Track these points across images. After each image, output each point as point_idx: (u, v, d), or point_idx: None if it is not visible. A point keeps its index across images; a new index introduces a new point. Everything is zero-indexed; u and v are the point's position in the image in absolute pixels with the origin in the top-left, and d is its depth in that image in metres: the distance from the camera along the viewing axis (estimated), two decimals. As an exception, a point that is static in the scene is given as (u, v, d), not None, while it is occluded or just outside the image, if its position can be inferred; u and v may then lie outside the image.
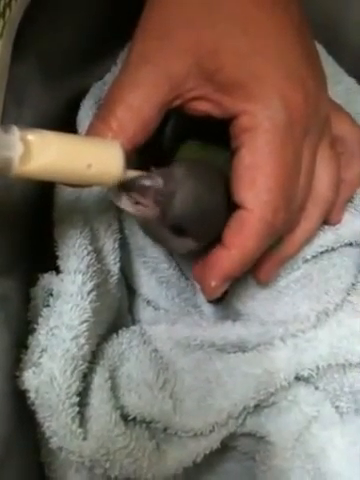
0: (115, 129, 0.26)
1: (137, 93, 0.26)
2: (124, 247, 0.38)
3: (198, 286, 0.39)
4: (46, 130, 0.23)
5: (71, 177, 0.24)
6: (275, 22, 0.27)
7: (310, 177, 0.28)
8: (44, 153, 0.22)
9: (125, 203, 0.26)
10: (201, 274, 0.28)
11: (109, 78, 0.40)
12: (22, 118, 0.32)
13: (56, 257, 0.32)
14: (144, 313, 0.39)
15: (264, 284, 0.33)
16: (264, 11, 0.27)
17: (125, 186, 0.25)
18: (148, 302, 0.39)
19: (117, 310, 0.35)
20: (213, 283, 0.27)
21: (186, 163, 0.27)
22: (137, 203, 0.26)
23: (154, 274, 0.39)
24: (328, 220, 0.33)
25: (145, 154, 0.30)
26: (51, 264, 0.33)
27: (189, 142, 0.33)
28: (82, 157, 0.24)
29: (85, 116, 0.37)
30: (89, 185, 0.26)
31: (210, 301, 0.39)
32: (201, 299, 0.40)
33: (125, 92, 0.26)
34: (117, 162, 0.24)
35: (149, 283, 0.39)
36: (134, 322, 0.39)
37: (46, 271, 0.32)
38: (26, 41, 0.31)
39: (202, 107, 0.27)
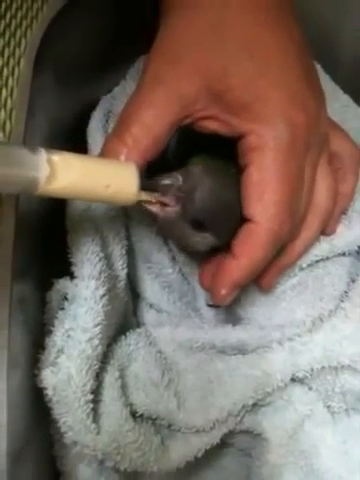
0: (130, 144, 0.28)
1: (150, 112, 0.28)
2: (129, 253, 0.40)
3: (199, 291, 0.42)
4: (69, 152, 0.25)
5: (90, 196, 0.26)
6: (278, 42, 0.29)
7: (311, 190, 0.31)
8: (67, 174, 0.24)
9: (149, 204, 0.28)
10: (211, 282, 0.30)
11: (118, 92, 0.41)
12: (36, 126, 0.34)
13: (67, 263, 0.34)
14: (147, 316, 0.41)
15: (265, 291, 0.35)
16: (268, 31, 0.29)
17: (147, 188, 0.27)
18: (151, 305, 0.41)
19: (124, 313, 0.37)
20: (223, 291, 0.29)
21: (202, 164, 0.30)
22: (160, 204, 0.28)
23: (157, 279, 0.41)
24: (325, 230, 0.35)
25: (152, 170, 0.31)
26: (60, 269, 0.34)
27: (194, 159, 0.34)
28: (101, 178, 0.25)
29: (95, 128, 0.39)
30: (106, 203, 0.28)
31: (210, 305, 0.41)
32: (201, 303, 0.42)
33: (140, 111, 0.28)
34: (133, 183, 0.26)
35: (152, 287, 0.41)
36: (138, 324, 0.41)
37: (58, 276, 0.34)
38: (43, 53, 0.32)
39: (211, 126, 0.29)
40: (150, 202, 0.28)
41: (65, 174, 0.24)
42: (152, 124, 0.28)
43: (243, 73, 0.28)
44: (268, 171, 0.28)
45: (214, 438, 0.34)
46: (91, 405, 0.29)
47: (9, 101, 0.30)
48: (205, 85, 0.28)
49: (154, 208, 0.28)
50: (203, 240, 0.31)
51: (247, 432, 0.37)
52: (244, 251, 0.29)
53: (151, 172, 0.30)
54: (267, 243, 0.28)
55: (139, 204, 0.28)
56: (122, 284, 0.36)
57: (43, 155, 0.24)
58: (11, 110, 0.29)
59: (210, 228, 0.30)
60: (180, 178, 0.28)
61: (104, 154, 0.29)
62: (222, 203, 0.29)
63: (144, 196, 0.27)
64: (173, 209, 0.28)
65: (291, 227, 0.29)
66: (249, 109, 0.28)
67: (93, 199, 0.26)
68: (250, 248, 0.28)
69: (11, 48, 0.30)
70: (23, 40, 0.31)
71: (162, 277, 0.41)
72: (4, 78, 0.30)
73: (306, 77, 0.29)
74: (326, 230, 0.35)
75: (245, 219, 0.29)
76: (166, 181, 0.28)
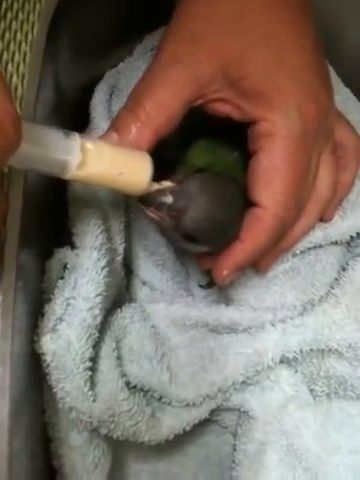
0: (143, 120, 0.28)
1: (166, 90, 0.28)
2: (126, 229, 0.40)
3: (191, 271, 0.43)
4: (100, 140, 0.25)
5: (106, 184, 0.26)
6: (295, 38, 0.30)
7: (315, 178, 0.31)
8: (98, 162, 0.25)
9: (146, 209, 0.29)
10: (214, 263, 0.31)
11: (123, 67, 0.41)
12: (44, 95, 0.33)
13: (63, 234, 0.34)
14: (140, 293, 0.41)
15: (261, 273, 0.36)
16: (286, 28, 0.30)
17: (144, 201, 0.28)
18: (144, 282, 0.41)
19: (119, 287, 0.37)
20: (225, 272, 0.30)
21: (202, 177, 0.29)
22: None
23: (152, 257, 0.41)
24: (322, 217, 0.36)
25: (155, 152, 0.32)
26: (57, 238, 0.35)
27: (198, 142, 0.35)
28: (121, 167, 0.26)
29: (99, 101, 0.39)
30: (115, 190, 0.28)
31: (201, 286, 0.42)
32: (192, 283, 0.42)
33: (155, 88, 0.29)
34: (146, 174, 0.27)
35: (146, 265, 0.41)
36: (130, 300, 0.41)
37: (56, 245, 0.34)
38: (57, 20, 0.32)
39: (223, 109, 0.30)
40: (148, 206, 0.28)
41: (95, 162, 0.25)
42: (166, 102, 0.28)
43: (260, 61, 0.28)
44: (278, 158, 0.28)
45: (203, 413, 0.35)
46: (89, 373, 0.30)
47: (21, 66, 0.30)
48: (222, 68, 0.28)
49: (151, 214, 0.29)
50: (196, 248, 0.31)
51: (233, 410, 0.38)
52: (249, 235, 0.29)
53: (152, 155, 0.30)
54: (272, 228, 0.29)
55: (137, 204, 0.28)
56: (120, 258, 0.37)
57: (77, 140, 0.24)
58: (23, 75, 0.29)
59: (203, 242, 0.30)
60: (171, 198, 0.28)
61: (115, 127, 0.29)
62: (215, 222, 0.29)
63: (155, 186, 0.28)
64: (166, 223, 0.29)
65: (295, 214, 0.30)
66: (263, 96, 0.28)
67: (106, 186, 0.27)
68: (255, 232, 0.29)
69: (25, 13, 0.30)
70: (38, 5, 0.30)
71: (157, 255, 0.41)
72: (17, 42, 0.30)
73: (319, 72, 0.30)
74: (324, 216, 0.36)
75: (251, 203, 0.30)
76: (159, 199, 0.28)
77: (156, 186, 0.27)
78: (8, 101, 0.18)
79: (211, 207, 0.28)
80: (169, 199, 0.28)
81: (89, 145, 0.24)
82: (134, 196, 0.28)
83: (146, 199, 0.28)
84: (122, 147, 0.27)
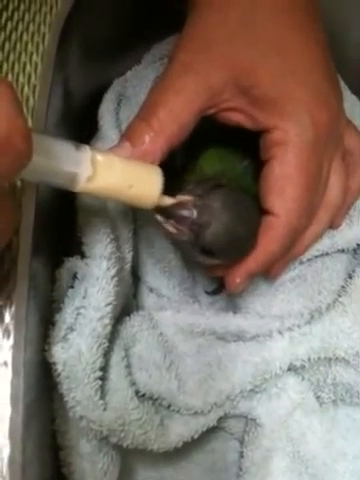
0: (156, 129, 0.28)
1: (179, 98, 0.29)
2: (133, 236, 0.40)
3: (198, 278, 0.43)
4: (111, 153, 0.25)
5: (119, 197, 0.26)
6: (305, 44, 0.30)
7: (325, 185, 0.32)
8: (108, 175, 0.25)
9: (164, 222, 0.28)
10: (227, 271, 0.31)
11: (131, 75, 0.42)
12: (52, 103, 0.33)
13: (72, 242, 0.35)
14: (148, 299, 0.41)
15: (270, 279, 0.36)
16: (295, 33, 0.30)
17: (164, 213, 0.28)
18: (151, 289, 0.42)
19: (128, 295, 0.38)
20: (238, 280, 0.30)
21: (223, 192, 0.29)
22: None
23: (159, 264, 0.41)
24: (331, 224, 0.36)
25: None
26: (68, 248, 0.35)
27: (208, 151, 0.35)
28: (132, 181, 0.26)
29: (107, 110, 0.39)
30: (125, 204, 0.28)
31: (208, 293, 0.42)
32: (199, 290, 0.43)
33: (167, 96, 0.29)
34: (157, 187, 0.26)
35: (153, 272, 0.42)
36: (137, 307, 0.41)
37: (66, 254, 0.35)
38: (67, 30, 0.32)
39: (234, 118, 0.30)
40: (169, 219, 0.28)
41: (106, 175, 0.25)
42: (179, 110, 0.28)
43: (271, 69, 0.29)
44: (290, 166, 0.29)
45: (211, 420, 0.35)
46: (99, 382, 0.30)
47: (33, 77, 0.30)
48: (233, 77, 0.29)
49: (168, 227, 0.28)
50: (210, 261, 0.31)
51: (239, 417, 0.38)
52: (262, 243, 0.30)
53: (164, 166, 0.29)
54: (285, 236, 0.29)
55: (153, 216, 0.28)
56: (128, 266, 0.37)
57: (88, 152, 0.24)
58: (34, 86, 0.29)
59: (218, 256, 0.30)
60: (195, 213, 0.28)
61: (128, 136, 0.29)
62: (234, 238, 0.29)
63: (167, 201, 0.27)
64: (186, 236, 0.29)
65: (307, 221, 0.30)
66: (275, 104, 0.29)
67: (116, 199, 0.27)
68: (268, 241, 0.29)
69: (36, 24, 0.30)
70: (48, 16, 0.31)
71: (164, 262, 0.41)
72: (29, 53, 0.30)
73: (329, 78, 0.30)
74: (333, 223, 0.36)
75: (263, 211, 0.30)
76: (183, 213, 0.28)
77: (167, 199, 0.27)
78: (19, 115, 0.18)
79: (232, 223, 0.29)
80: (192, 214, 0.28)
81: (99, 157, 0.24)
82: (151, 208, 0.28)
83: (167, 212, 0.28)
84: (132, 160, 0.27)
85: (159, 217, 0.28)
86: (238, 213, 0.29)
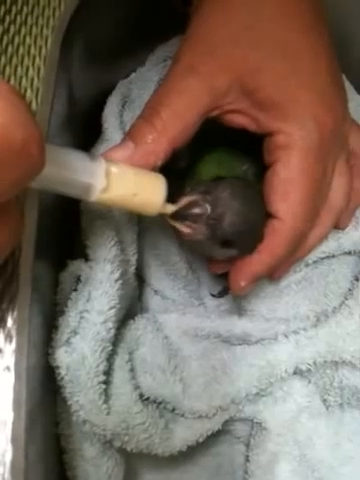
0: (159, 130, 0.28)
1: (182, 99, 0.28)
2: (138, 239, 0.40)
3: (203, 280, 0.42)
4: (125, 165, 0.25)
5: (125, 206, 0.26)
6: (310, 46, 0.30)
7: (329, 187, 0.31)
8: (121, 185, 0.25)
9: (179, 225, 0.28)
10: (231, 273, 0.31)
11: (135, 77, 0.41)
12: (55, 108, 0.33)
13: (76, 244, 0.35)
14: (152, 302, 0.41)
15: (273, 281, 0.36)
16: (301, 35, 0.29)
17: (178, 217, 0.28)
18: (156, 291, 0.42)
19: (132, 297, 0.38)
20: (243, 283, 0.30)
21: (229, 181, 0.29)
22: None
23: (163, 266, 0.41)
24: (337, 225, 0.36)
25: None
26: (71, 250, 0.35)
27: (205, 157, 0.35)
28: (137, 189, 0.26)
29: (111, 112, 0.39)
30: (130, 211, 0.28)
31: (213, 295, 0.42)
32: (205, 292, 0.42)
33: (171, 98, 0.28)
34: (161, 195, 0.26)
35: (157, 274, 0.42)
36: (142, 309, 0.41)
37: (70, 257, 0.35)
38: (71, 33, 0.32)
39: (238, 120, 0.30)
40: (184, 220, 0.28)
41: (119, 186, 0.25)
42: (183, 112, 0.28)
43: (276, 72, 0.28)
44: (295, 170, 0.28)
45: (216, 424, 0.35)
46: (103, 386, 0.30)
47: (36, 80, 0.30)
48: (238, 79, 0.28)
49: (184, 229, 0.28)
50: (227, 254, 0.31)
51: (245, 420, 0.38)
52: (267, 246, 0.29)
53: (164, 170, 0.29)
54: (290, 240, 0.29)
55: (165, 220, 0.28)
56: (132, 269, 0.37)
57: (102, 164, 0.24)
58: (38, 90, 0.29)
59: (237, 246, 0.30)
60: (209, 208, 0.28)
61: (131, 136, 0.28)
62: (249, 223, 0.29)
63: (168, 206, 0.27)
64: (203, 234, 0.29)
65: (312, 224, 0.30)
66: (279, 107, 0.28)
67: (121, 207, 0.27)
68: (273, 244, 0.29)
69: (39, 27, 0.30)
70: (51, 19, 0.30)
71: (168, 265, 0.41)
72: (31, 57, 0.30)
73: (334, 81, 0.30)
74: (339, 224, 0.35)
75: (267, 215, 0.30)
76: (196, 210, 0.28)
77: (169, 206, 0.27)
78: (33, 124, 0.18)
79: (244, 209, 0.29)
80: (206, 209, 0.28)
81: (113, 169, 0.25)
82: (166, 215, 0.28)
83: (180, 214, 0.28)
84: (139, 168, 0.27)
85: (173, 222, 0.28)
86: (247, 198, 0.29)
